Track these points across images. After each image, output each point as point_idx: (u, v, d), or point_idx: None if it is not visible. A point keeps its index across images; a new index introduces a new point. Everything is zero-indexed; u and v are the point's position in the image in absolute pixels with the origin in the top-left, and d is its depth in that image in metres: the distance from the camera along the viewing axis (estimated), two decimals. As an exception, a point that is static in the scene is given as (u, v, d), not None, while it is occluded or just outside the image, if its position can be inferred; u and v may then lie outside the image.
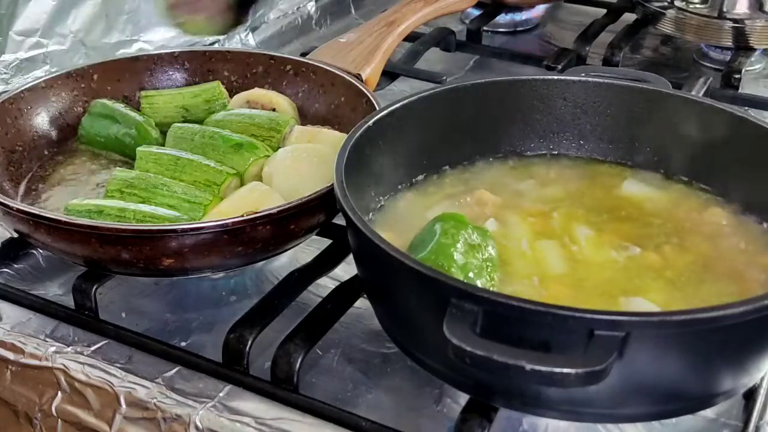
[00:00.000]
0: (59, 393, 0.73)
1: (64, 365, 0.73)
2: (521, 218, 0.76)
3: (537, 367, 0.52)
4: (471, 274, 0.65)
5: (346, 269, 0.81)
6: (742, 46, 1.21)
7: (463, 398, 0.66)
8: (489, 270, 0.67)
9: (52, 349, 0.74)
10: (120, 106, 0.94)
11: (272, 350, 0.70)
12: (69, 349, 0.74)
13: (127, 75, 1.00)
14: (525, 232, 0.74)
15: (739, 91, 1.16)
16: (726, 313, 0.56)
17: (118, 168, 0.86)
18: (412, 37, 1.21)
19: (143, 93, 0.99)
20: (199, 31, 1.25)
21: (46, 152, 0.93)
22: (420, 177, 0.81)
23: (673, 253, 0.72)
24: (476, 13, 1.38)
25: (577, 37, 1.28)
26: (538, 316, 0.55)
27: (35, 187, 0.88)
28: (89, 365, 0.73)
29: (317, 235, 0.81)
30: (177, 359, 0.73)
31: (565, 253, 0.72)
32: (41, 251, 0.85)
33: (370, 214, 0.77)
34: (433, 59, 1.27)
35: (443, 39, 1.29)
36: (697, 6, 1.23)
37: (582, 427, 0.68)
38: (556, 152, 0.85)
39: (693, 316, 0.56)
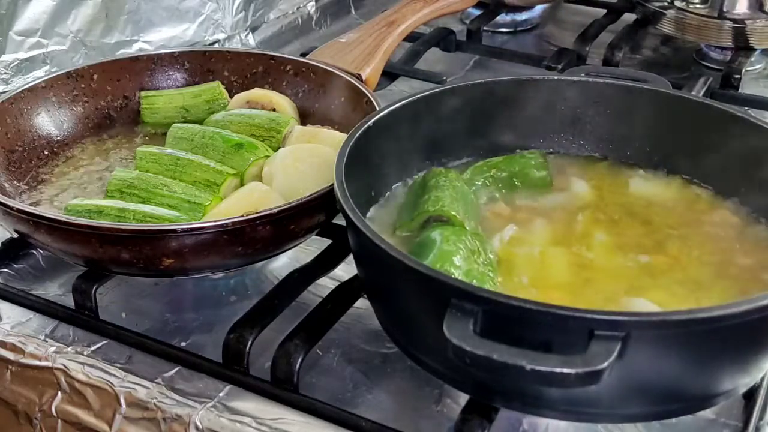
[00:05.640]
0: (59, 393, 0.72)
1: (64, 365, 0.73)
2: (541, 223, 0.76)
3: (537, 367, 0.52)
4: (474, 281, 0.65)
5: (346, 269, 0.81)
6: (742, 46, 1.20)
7: (463, 398, 0.66)
8: (491, 274, 0.67)
9: (52, 349, 0.74)
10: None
11: (272, 350, 0.70)
12: (69, 349, 0.74)
13: (127, 75, 1.00)
14: (540, 237, 0.74)
15: (739, 91, 1.16)
16: (726, 313, 0.56)
17: (118, 168, 0.86)
18: (412, 37, 1.21)
19: (143, 93, 0.99)
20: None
21: (46, 152, 0.93)
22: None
23: (678, 254, 0.72)
24: (476, 13, 1.38)
25: (577, 37, 1.28)
26: (538, 316, 0.55)
27: (35, 187, 0.88)
28: (89, 365, 0.73)
29: (317, 235, 0.81)
30: (177, 359, 0.73)
31: (571, 254, 0.72)
32: (41, 251, 0.85)
33: (371, 213, 0.77)
34: (433, 59, 1.27)
35: (443, 39, 1.29)
36: (697, 6, 1.23)
37: (582, 427, 0.68)
38: (556, 151, 0.85)
39: (693, 316, 0.56)
